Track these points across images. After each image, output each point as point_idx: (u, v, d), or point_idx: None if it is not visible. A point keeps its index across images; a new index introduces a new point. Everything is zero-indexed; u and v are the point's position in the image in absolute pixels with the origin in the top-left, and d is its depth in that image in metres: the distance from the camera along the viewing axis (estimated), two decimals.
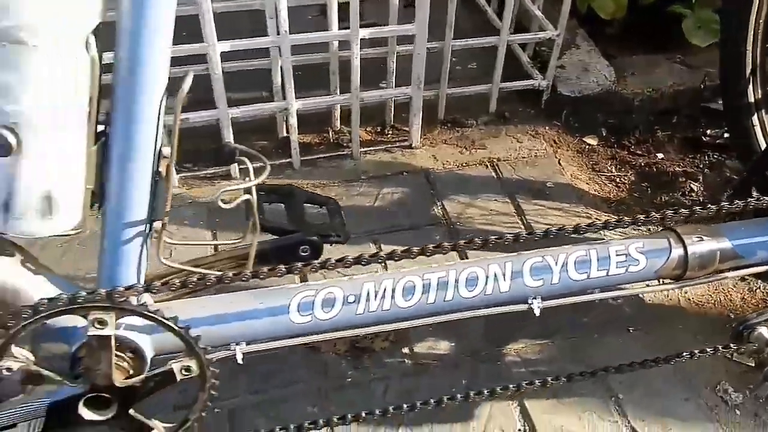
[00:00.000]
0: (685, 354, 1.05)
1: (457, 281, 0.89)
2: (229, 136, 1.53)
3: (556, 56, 1.76)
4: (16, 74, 0.61)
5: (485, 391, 1.02)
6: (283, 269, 0.77)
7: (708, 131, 1.78)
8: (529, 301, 0.90)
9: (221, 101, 1.48)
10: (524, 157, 1.72)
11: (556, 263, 0.91)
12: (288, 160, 1.64)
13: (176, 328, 0.76)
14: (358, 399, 1.21)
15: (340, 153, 1.68)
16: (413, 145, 1.71)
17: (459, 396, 1.00)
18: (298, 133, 1.61)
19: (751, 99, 1.40)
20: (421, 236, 1.50)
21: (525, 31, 1.82)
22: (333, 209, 1.08)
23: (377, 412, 0.98)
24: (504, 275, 0.90)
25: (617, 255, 0.92)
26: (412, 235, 1.50)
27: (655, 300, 1.41)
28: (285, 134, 1.67)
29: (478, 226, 1.53)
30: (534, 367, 1.26)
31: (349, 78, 1.55)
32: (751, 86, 1.39)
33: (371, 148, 1.71)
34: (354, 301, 0.86)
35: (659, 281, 0.99)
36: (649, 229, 1.42)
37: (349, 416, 0.97)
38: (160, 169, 0.74)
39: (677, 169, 1.70)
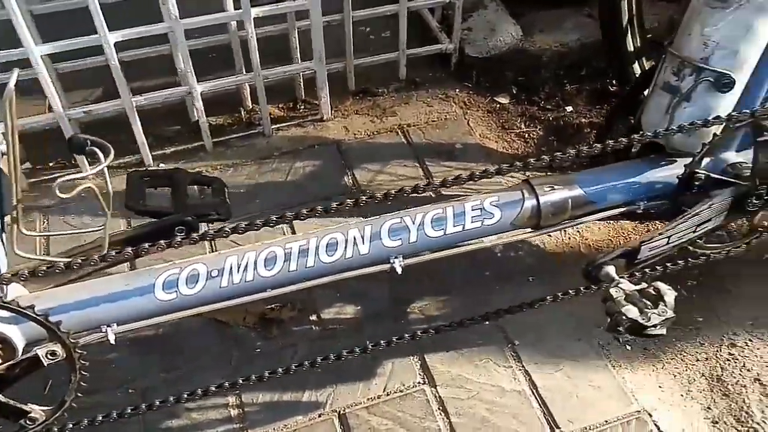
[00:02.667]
0: (570, 292, 1.11)
1: (317, 248, 0.93)
2: (136, 124, 1.55)
3: (459, 18, 1.78)
4: None
5: (382, 343, 1.07)
6: (131, 251, 0.81)
7: (614, 81, 1.83)
8: (391, 261, 0.95)
9: (124, 90, 1.50)
10: (434, 121, 1.75)
11: (414, 222, 0.95)
12: (200, 143, 1.66)
13: (33, 315, 0.80)
14: (268, 367, 1.25)
15: (252, 132, 1.71)
16: (324, 118, 1.74)
17: (358, 350, 1.05)
18: (211, 116, 1.63)
19: (630, 48, 1.45)
20: None
21: None
22: (217, 188, 1.11)
23: (280, 371, 1.03)
24: (363, 238, 0.94)
25: (472, 210, 0.97)
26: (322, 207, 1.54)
27: (556, 249, 1.46)
28: (196, 118, 1.69)
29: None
30: (436, 321, 1.31)
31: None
32: (629, 36, 1.44)
33: (283, 125, 1.74)
34: (218, 275, 0.90)
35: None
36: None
37: (254, 377, 1.02)
38: (1, 167, 0.77)
39: (583, 120, 1.74)
